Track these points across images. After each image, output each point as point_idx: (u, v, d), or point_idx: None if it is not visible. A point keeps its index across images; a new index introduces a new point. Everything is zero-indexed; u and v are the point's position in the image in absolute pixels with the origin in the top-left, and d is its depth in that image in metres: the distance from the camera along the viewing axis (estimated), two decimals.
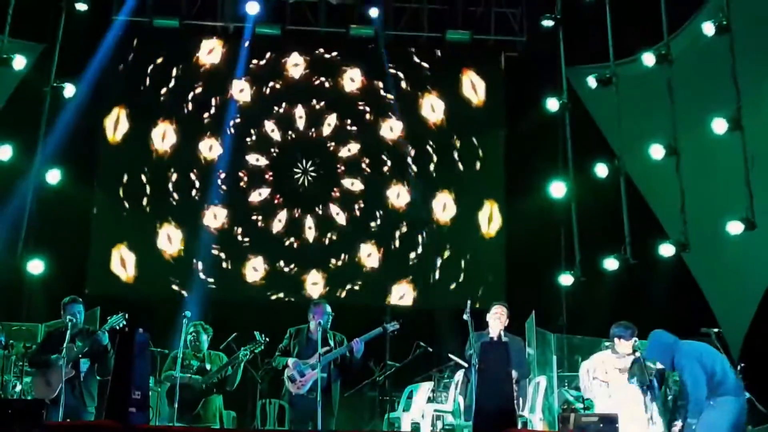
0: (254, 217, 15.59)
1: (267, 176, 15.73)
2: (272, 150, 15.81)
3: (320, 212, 15.67)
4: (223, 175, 15.63)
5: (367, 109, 16.04)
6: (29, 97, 13.68)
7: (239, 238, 15.53)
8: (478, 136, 16.08)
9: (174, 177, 15.56)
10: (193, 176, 15.60)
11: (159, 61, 15.82)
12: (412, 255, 15.70)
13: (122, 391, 8.65)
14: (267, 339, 10.27)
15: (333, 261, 15.61)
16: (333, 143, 15.90)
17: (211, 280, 15.33)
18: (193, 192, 15.57)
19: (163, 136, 15.64)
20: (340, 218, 15.71)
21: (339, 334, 10.28)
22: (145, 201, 15.42)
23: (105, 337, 9.78)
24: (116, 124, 15.56)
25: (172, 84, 15.78)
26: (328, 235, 15.66)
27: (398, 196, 15.85)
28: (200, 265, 15.32)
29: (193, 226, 15.43)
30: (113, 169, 15.46)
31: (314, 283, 15.48)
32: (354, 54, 16.18)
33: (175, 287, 15.23)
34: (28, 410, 8.82)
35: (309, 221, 15.64)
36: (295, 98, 15.98)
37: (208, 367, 10.22)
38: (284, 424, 11.04)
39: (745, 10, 12.37)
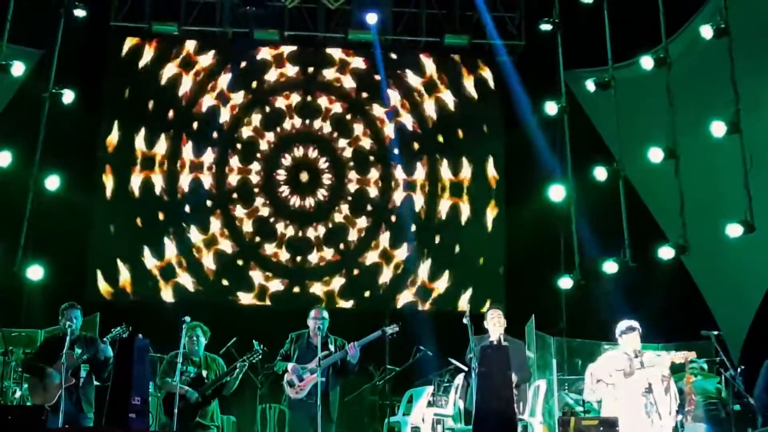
0: (255, 223, 15.63)
1: (268, 182, 15.79)
2: (271, 157, 15.84)
3: (318, 218, 15.74)
4: (223, 183, 15.65)
5: (365, 112, 16.06)
6: (28, 103, 13.67)
7: (239, 243, 15.55)
8: (476, 140, 16.10)
9: (173, 183, 15.55)
10: (193, 182, 15.61)
11: (159, 66, 15.83)
12: (411, 259, 15.70)
13: (122, 397, 8.65)
14: (265, 348, 10.24)
15: (333, 266, 15.64)
16: (330, 147, 15.91)
17: (210, 284, 15.36)
18: (193, 198, 15.57)
19: (163, 143, 15.66)
20: (339, 222, 15.74)
21: (340, 339, 10.27)
22: (144, 206, 15.41)
23: (108, 349, 9.77)
24: (115, 130, 15.58)
25: (172, 90, 15.79)
26: (328, 240, 15.69)
27: (397, 200, 15.87)
28: (199, 270, 15.35)
29: (192, 231, 15.43)
30: (112, 174, 15.45)
31: (314, 287, 15.53)
32: (352, 57, 16.21)
33: (174, 292, 15.23)
34: (28, 417, 8.84)
35: (308, 228, 15.72)
36: (293, 101, 16.02)
37: (204, 373, 10.18)
38: (284, 428, 11.04)
39: (743, 12, 12.36)
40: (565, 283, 14.06)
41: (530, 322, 12.73)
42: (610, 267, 13.35)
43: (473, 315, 9.74)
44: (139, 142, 15.64)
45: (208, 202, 15.72)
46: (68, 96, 13.53)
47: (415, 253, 15.80)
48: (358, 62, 16.29)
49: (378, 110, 16.18)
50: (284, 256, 15.68)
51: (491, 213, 15.95)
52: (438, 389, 12.33)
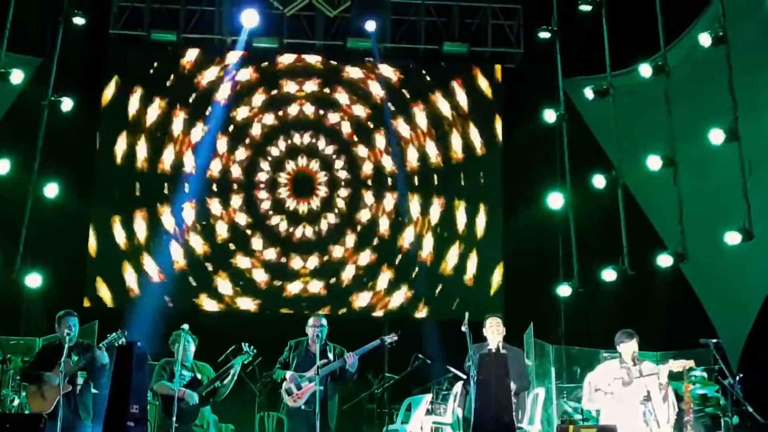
0: (250, 232, 15.60)
1: (266, 189, 15.76)
2: (269, 164, 15.82)
3: (316, 226, 15.70)
4: (219, 190, 15.66)
5: (364, 120, 16.05)
6: (27, 110, 13.68)
7: (236, 251, 15.52)
8: (475, 148, 16.09)
9: (171, 191, 15.55)
10: (189, 190, 15.60)
11: (157, 74, 15.84)
12: (410, 267, 15.68)
13: (120, 405, 8.64)
14: (255, 350, 10.26)
15: (331, 273, 15.60)
16: (330, 156, 15.91)
17: (206, 292, 15.34)
18: (191, 207, 15.55)
19: (161, 151, 15.62)
20: (338, 230, 15.72)
21: (339, 347, 10.26)
22: (142, 215, 15.40)
23: (104, 355, 9.77)
24: (114, 138, 15.57)
25: (169, 98, 15.78)
26: (327, 247, 15.67)
27: (396, 208, 15.85)
28: (196, 279, 15.34)
29: (189, 239, 15.43)
30: (111, 182, 15.44)
31: (312, 295, 15.49)
32: (351, 66, 16.22)
33: (171, 300, 15.20)
34: (27, 424, 8.83)
35: (306, 232, 15.68)
36: (291, 112, 16.00)
37: (198, 376, 10.19)
38: None
39: (741, 20, 12.38)
40: (564, 291, 14.06)
41: (529, 330, 12.73)
42: (608, 275, 13.36)
43: (472, 323, 9.74)
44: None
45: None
46: (67, 104, 13.53)
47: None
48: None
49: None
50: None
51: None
52: (437, 397, 12.32)
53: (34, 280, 13.13)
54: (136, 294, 15.16)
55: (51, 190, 13.38)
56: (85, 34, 14.16)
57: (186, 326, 10.02)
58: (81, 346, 9.95)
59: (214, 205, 15.61)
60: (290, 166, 15.81)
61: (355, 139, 16.00)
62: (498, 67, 16.29)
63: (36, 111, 13.40)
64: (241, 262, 15.49)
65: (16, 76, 12.96)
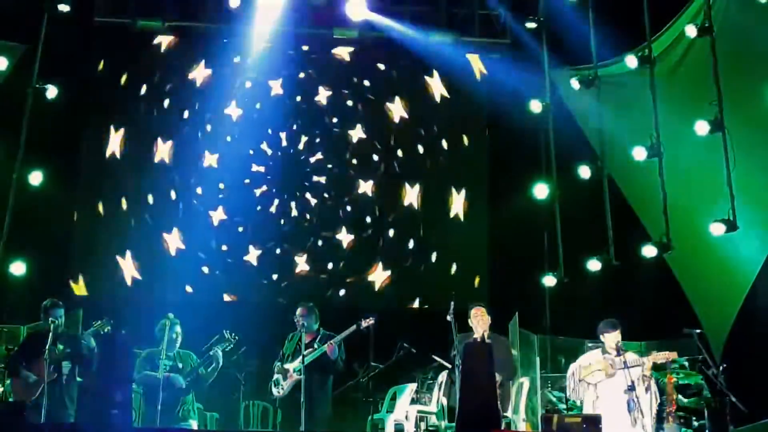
0: (238, 220, 15.59)
1: (247, 181, 15.76)
2: (251, 155, 15.80)
3: (308, 219, 15.70)
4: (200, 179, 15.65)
5: (352, 109, 16.03)
6: (11, 98, 13.59)
7: (222, 241, 15.51)
8: (461, 138, 16.10)
9: (156, 179, 15.51)
10: (173, 177, 15.56)
11: (142, 63, 15.78)
12: (396, 256, 15.69)
13: (105, 393, 8.64)
14: (236, 337, 10.28)
15: (322, 263, 15.60)
16: (315, 146, 15.89)
17: (193, 281, 15.32)
18: (173, 193, 15.53)
19: (142, 138, 15.61)
20: (328, 223, 15.73)
21: (328, 334, 10.31)
22: (126, 202, 15.35)
23: (91, 341, 9.76)
24: (99, 126, 15.53)
25: (153, 86, 15.74)
26: (320, 240, 15.67)
27: (383, 199, 15.85)
28: (183, 267, 15.30)
29: (176, 228, 15.40)
30: (95, 171, 15.40)
31: (301, 285, 15.48)
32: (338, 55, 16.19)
33: (159, 288, 15.16)
34: (8, 412, 8.82)
35: (293, 222, 15.69)
36: (277, 95, 15.98)
37: (180, 365, 10.18)
38: (268, 425, 11.04)
39: (726, 11, 12.41)
40: (549, 281, 14.07)
41: (514, 319, 12.76)
42: (593, 265, 13.38)
43: (457, 312, 9.76)
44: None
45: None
46: (52, 91, 13.46)
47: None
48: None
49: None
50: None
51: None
52: (422, 386, 12.35)
53: (18, 268, 13.06)
54: (121, 282, 15.09)
55: (35, 178, 13.31)
56: (69, 21, 14.08)
57: (171, 314, 10.01)
58: (67, 336, 9.94)
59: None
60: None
61: (335, 120, 15.98)
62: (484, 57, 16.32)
63: (20, 98, 13.32)
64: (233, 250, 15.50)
65: (0, 63, 12.89)
